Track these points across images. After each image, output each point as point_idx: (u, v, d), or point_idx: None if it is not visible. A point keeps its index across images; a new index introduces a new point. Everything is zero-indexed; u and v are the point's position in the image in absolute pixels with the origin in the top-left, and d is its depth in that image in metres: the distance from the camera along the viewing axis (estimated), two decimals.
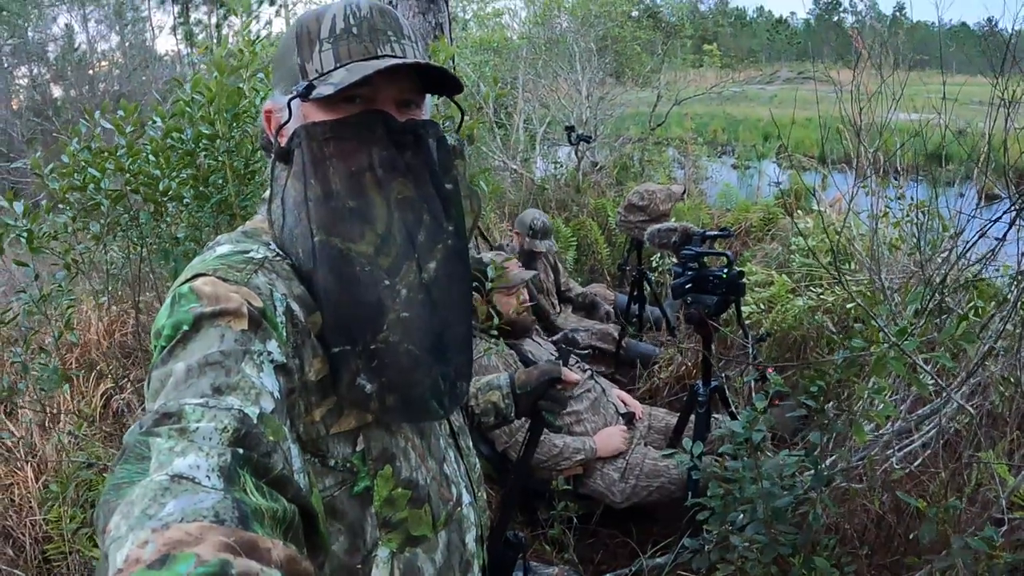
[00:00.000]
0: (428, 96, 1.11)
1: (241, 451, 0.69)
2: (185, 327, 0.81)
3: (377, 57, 1.00)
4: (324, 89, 0.96)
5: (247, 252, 0.96)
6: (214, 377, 0.76)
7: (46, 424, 3.07)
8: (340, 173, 0.98)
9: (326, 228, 0.96)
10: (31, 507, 2.73)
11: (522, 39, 10.57)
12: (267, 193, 1.09)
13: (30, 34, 14.47)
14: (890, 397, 2.34)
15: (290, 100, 0.99)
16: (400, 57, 1.02)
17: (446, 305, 1.03)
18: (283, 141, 1.03)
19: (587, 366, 3.33)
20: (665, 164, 9.86)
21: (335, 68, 0.99)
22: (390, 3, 3.47)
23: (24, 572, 2.55)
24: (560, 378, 1.64)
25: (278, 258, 0.99)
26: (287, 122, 1.01)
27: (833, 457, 2.21)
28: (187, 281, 0.87)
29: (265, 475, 0.70)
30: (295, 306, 0.93)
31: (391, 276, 0.97)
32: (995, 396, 2.20)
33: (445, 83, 1.06)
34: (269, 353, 0.84)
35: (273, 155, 1.04)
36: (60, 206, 2.68)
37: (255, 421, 0.74)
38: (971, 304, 2.41)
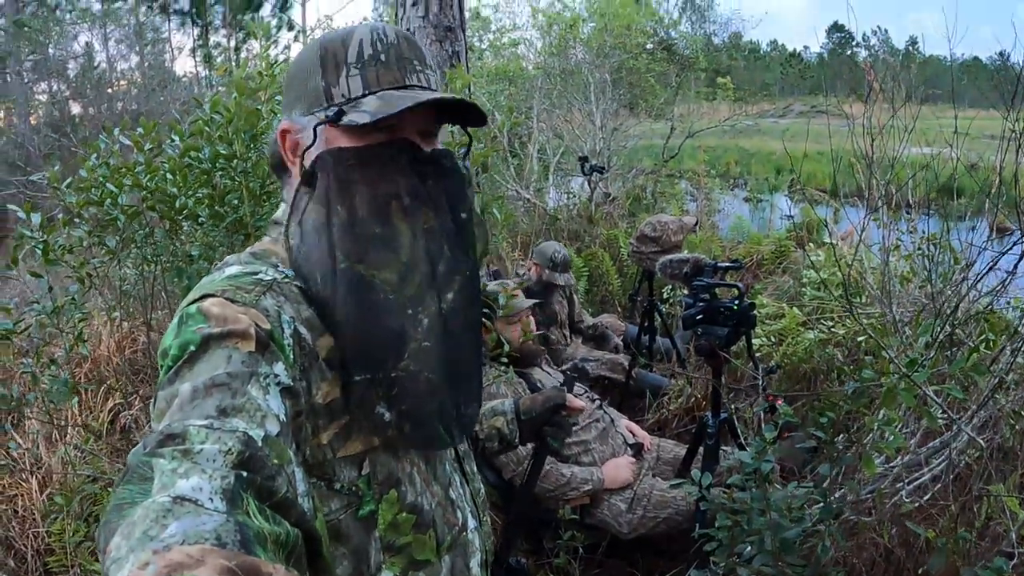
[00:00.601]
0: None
1: (244, 474, 0.69)
2: (192, 348, 0.81)
3: (406, 86, 1.01)
4: (358, 117, 0.97)
5: (256, 273, 0.96)
6: (220, 399, 0.76)
7: (53, 437, 3.08)
8: (366, 200, 0.98)
9: (351, 254, 0.96)
10: (34, 519, 2.74)
11: (537, 69, 10.65)
12: (278, 213, 1.10)
13: (51, 51, 14.64)
14: (900, 430, 2.32)
15: (318, 125, 1.00)
16: (426, 87, 1.03)
17: (461, 335, 1.05)
18: (298, 162, 1.03)
19: (596, 396, 3.32)
20: (678, 196, 9.89)
21: (364, 95, 1.00)
22: (407, 31, 3.52)
23: None
24: (564, 404, 1.64)
25: (287, 280, 0.99)
26: (310, 145, 1.01)
27: (843, 490, 2.19)
28: (195, 301, 0.87)
29: (268, 498, 0.70)
30: (303, 329, 0.93)
31: (414, 305, 0.98)
32: (1006, 429, 2.18)
33: (469, 115, 1.08)
34: (276, 376, 0.84)
35: (297, 177, 1.03)
36: (76, 220, 2.71)
37: (259, 444, 0.74)
38: (982, 337, 2.40)
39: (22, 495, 2.85)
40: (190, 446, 0.69)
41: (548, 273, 4.56)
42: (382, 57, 1.01)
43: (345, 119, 0.98)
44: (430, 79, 1.05)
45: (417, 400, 0.98)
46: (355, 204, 0.98)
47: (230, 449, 0.70)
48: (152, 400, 0.82)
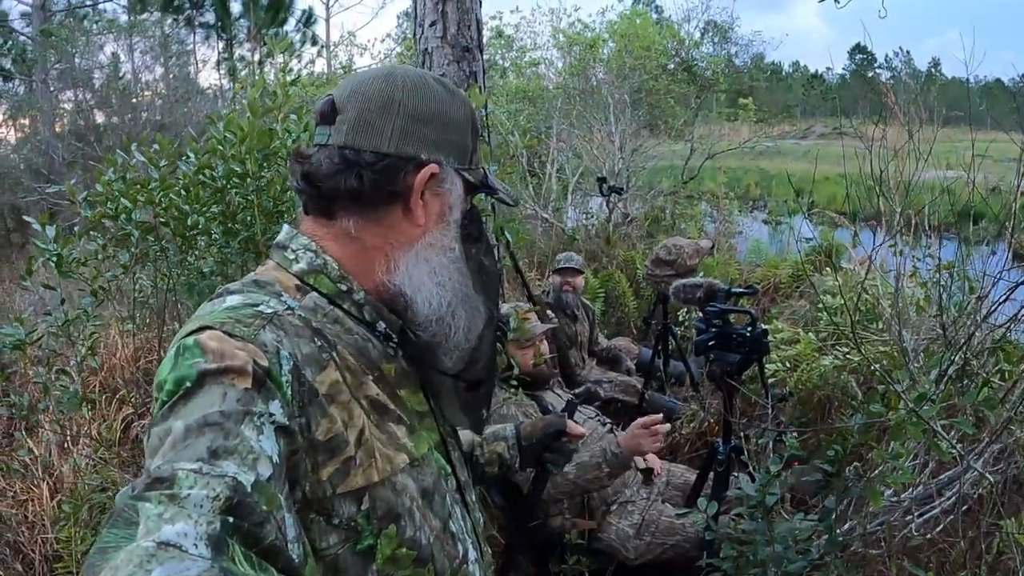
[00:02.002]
0: None
1: (231, 520, 0.68)
2: (188, 383, 0.80)
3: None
4: (505, 196, 1.21)
5: (257, 305, 0.96)
6: (212, 439, 0.75)
7: (65, 445, 3.09)
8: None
9: (492, 297, 1.21)
10: (44, 525, 2.74)
11: (557, 89, 10.69)
12: (282, 237, 1.10)
13: (77, 60, 14.76)
14: (912, 461, 2.29)
15: (479, 191, 1.18)
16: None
17: None
18: (421, 205, 1.07)
19: (607, 420, 3.31)
20: (697, 218, 9.85)
21: (484, 170, 1.17)
22: (425, 51, 3.54)
23: None
24: (565, 430, 1.65)
25: (289, 312, 0.98)
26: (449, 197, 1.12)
27: (852, 522, 2.16)
28: (193, 333, 0.87)
29: (255, 545, 0.70)
30: (302, 365, 0.92)
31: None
32: (1021, 460, 2.14)
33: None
34: (271, 415, 0.83)
35: (418, 222, 1.07)
36: (92, 233, 2.73)
37: (249, 489, 0.73)
38: (996, 367, 2.36)
39: (32, 500, 2.86)
40: (177, 491, 0.68)
41: (553, 274, 4.73)
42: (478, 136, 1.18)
43: (500, 196, 1.20)
44: None
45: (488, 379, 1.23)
46: (484, 251, 1.21)
47: (218, 495, 0.69)
48: (145, 436, 0.82)
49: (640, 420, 2.64)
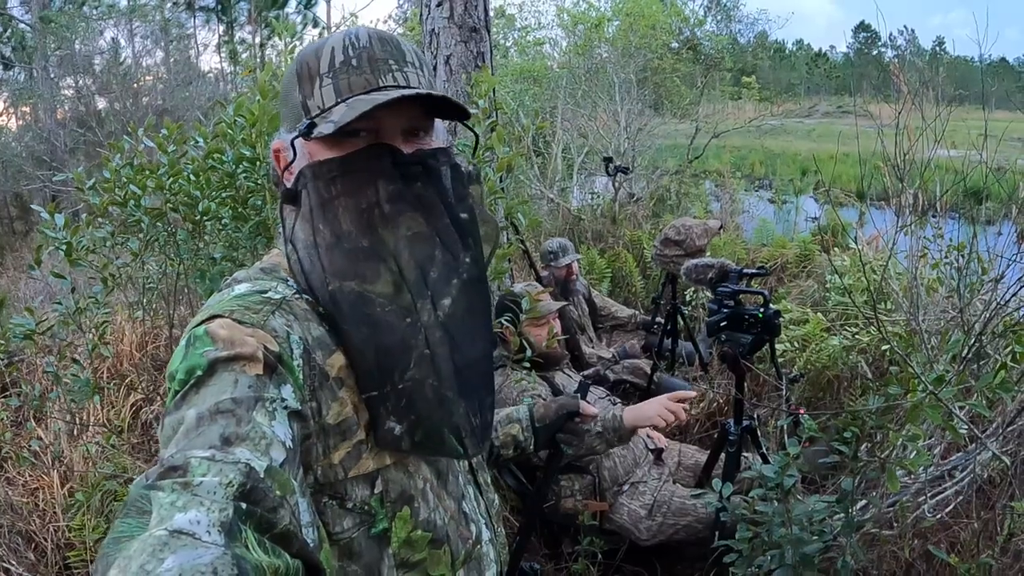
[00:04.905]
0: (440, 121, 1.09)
1: (244, 506, 0.69)
2: (199, 372, 0.81)
3: (378, 88, 0.98)
4: (324, 128, 0.94)
5: (265, 291, 0.96)
6: (224, 426, 0.76)
7: (75, 432, 3.10)
8: (350, 212, 0.96)
9: (341, 273, 0.95)
10: (55, 513, 2.75)
11: (562, 68, 10.63)
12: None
13: (77, 46, 14.67)
14: (924, 442, 2.28)
15: (293, 140, 0.98)
16: (402, 87, 0.99)
17: (466, 340, 1.02)
18: (289, 181, 1.02)
19: (617, 400, 3.30)
20: (702, 197, 9.83)
21: (336, 103, 0.98)
22: (432, 32, 3.51)
23: None
24: (578, 412, 1.65)
25: (297, 296, 0.98)
26: (293, 161, 1.00)
27: (863, 503, 2.16)
28: (203, 323, 0.87)
29: (269, 530, 0.70)
30: (312, 348, 0.93)
31: (410, 314, 0.96)
32: None
33: (451, 109, 1.03)
34: (283, 400, 0.83)
35: (280, 195, 1.03)
36: (100, 220, 2.72)
37: (262, 475, 0.73)
38: (1008, 348, 2.35)
39: (43, 489, 2.87)
40: (190, 478, 0.69)
41: (552, 267, 4.66)
42: (353, 62, 0.98)
43: (315, 131, 0.95)
44: (409, 76, 1.00)
45: (426, 409, 0.96)
46: (338, 218, 0.96)
47: (231, 481, 0.70)
48: (159, 426, 0.82)
49: (671, 394, 2.51)
